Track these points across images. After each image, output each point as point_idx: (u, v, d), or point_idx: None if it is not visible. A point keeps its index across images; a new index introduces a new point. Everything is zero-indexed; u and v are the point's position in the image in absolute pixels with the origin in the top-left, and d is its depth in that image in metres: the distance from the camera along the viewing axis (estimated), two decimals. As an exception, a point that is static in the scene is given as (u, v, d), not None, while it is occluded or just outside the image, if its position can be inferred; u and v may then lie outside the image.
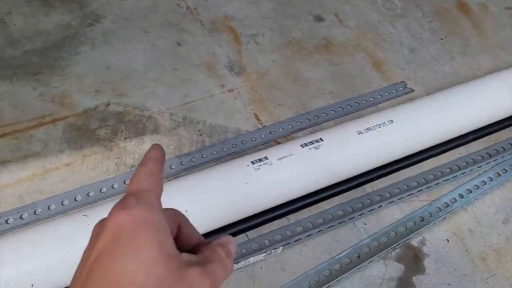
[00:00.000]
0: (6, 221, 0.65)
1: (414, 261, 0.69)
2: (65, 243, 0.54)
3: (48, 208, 0.67)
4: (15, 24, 0.93)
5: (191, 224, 0.31)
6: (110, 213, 0.26)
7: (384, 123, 0.72)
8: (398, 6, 1.10)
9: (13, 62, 0.86)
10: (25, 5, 0.98)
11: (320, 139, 0.69)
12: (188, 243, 0.28)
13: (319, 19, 1.06)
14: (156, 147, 0.31)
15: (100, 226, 0.27)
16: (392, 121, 0.73)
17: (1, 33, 0.91)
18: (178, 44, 0.96)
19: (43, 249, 0.53)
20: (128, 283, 0.24)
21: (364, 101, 0.88)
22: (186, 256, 0.27)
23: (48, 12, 0.97)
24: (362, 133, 0.70)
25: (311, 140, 0.69)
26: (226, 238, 0.31)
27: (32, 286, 0.52)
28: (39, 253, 0.53)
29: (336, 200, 0.74)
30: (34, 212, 0.66)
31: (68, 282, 0.55)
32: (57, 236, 0.54)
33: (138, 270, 0.24)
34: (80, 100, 0.83)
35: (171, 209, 0.30)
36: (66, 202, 0.68)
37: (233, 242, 0.31)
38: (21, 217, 0.65)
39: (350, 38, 1.02)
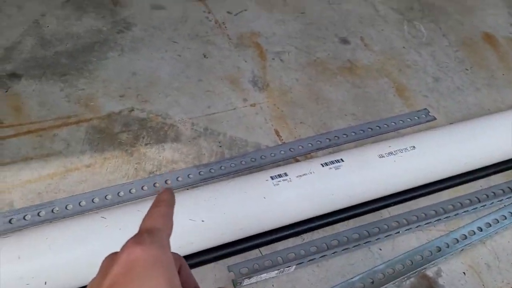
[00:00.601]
0: (24, 217, 0.65)
1: (428, 291, 0.67)
2: (81, 243, 0.54)
3: (66, 207, 0.68)
4: (48, 26, 0.96)
5: (189, 269, 0.33)
6: (124, 247, 0.28)
7: (406, 149, 0.72)
8: (424, 34, 1.11)
9: (43, 62, 0.89)
10: (59, 8, 1.00)
11: (341, 159, 0.69)
12: (184, 287, 0.29)
13: (344, 41, 1.07)
14: (168, 191, 0.34)
15: (112, 258, 0.28)
16: (414, 147, 0.72)
17: (34, 34, 0.93)
18: (204, 56, 0.97)
19: (60, 247, 0.53)
20: None
21: (385, 125, 0.88)
22: None
23: (80, 16, 0.99)
24: (384, 156, 0.70)
25: (331, 160, 0.68)
26: None
27: (45, 284, 0.52)
28: (56, 251, 0.53)
29: (352, 223, 0.73)
30: (52, 210, 0.67)
31: (82, 282, 0.55)
32: (74, 235, 0.55)
33: None
34: (105, 104, 0.84)
35: (174, 252, 0.31)
36: (83, 203, 0.69)
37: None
38: (38, 214, 0.66)
39: (375, 62, 1.03)
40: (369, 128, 0.87)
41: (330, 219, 0.71)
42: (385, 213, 0.75)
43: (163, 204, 0.32)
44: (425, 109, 0.93)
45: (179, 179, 0.75)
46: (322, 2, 1.15)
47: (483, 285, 0.69)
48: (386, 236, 0.71)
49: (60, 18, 0.98)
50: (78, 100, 0.84)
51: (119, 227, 0.56)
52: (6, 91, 0.82)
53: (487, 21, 1.18)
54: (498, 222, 0.75)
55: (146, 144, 0.79)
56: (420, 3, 1.20)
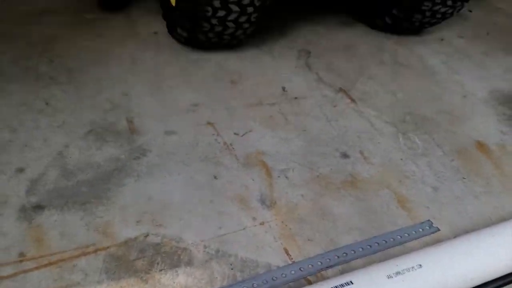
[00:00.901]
0: None
1: None
2: None
3: None
4: (71, 157, 1.05)
5: None
6: None
7: (413, 267, 0.74)
8: (419, 146, 1.18)
9: (65, 192, 0.95)
10: (82, 138, 1.10)
11: (351, 281, 0.71)
12: None
13: (344, 156, 1.14)
14: None
15: None
16: (420, 265, 0.74)
17: (58, 165, 1.02)
18: (215, 177, 1.04)
19: None
20: None
21: (391, 239, 0.91)
22: None
23: (100, 146, 1.09)
24: (392, 277, 0.72)
25: (341, 283, 0.71)
26: None
27: None
28: None
29: None
30: None
31: None
32: None
33: None
34: (122, 230, 0.89)
35: None
36: (99, 336, 0.70)
37: None
38: None
39: (374, 174, 1.09)
40: (375, 243, 0.90)
41: None
42: (400, 334, 0.75)
43: None
44: (428, 220, 0.96)
45: (193, 306, 0.76)
46: (321, 120, 1.25)
47: None
48: None
49: (82, 148, 1.07)
50: (96, 228, 0.89)
51: None
52: (30, 223, 0.88)
53: (478, 129, 1.26)
54: None
55: (160, 270, 0.82)
56: (411, 116, 1.29)
